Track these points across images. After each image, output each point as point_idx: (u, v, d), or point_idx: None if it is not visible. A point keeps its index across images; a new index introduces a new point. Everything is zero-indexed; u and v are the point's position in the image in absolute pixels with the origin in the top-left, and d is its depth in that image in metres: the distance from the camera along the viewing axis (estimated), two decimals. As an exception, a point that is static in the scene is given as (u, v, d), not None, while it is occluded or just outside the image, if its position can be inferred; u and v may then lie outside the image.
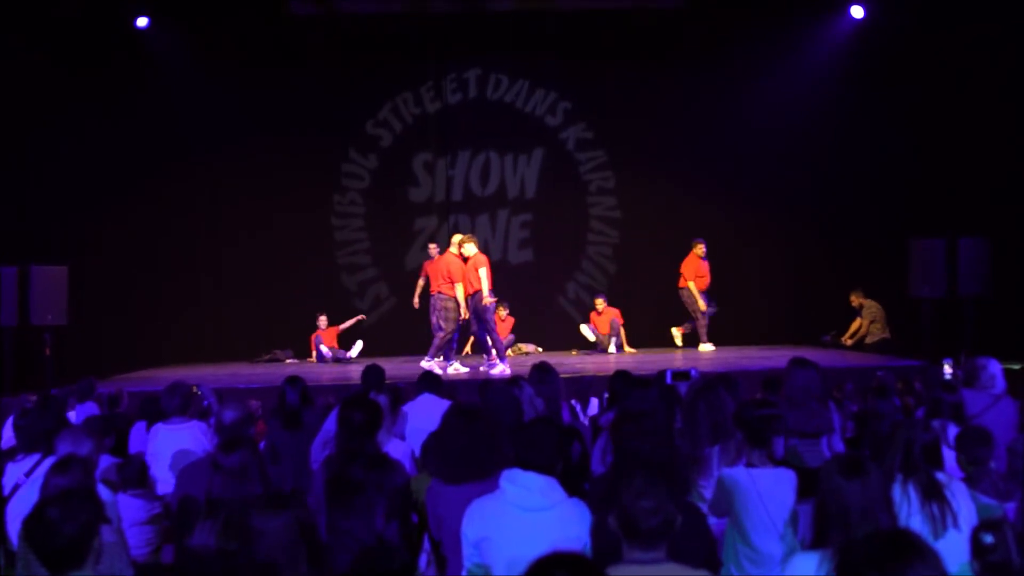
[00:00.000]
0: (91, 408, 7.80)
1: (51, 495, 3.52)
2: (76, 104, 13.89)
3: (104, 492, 4.78)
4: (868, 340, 14.04)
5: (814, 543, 3.44)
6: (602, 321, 14.96)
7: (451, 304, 11.69)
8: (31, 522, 3.32)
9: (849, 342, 14.28)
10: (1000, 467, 5.18)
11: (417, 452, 5.71)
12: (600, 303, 15.13)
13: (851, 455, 3.66)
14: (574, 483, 4.48)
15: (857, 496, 3.38)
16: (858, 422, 6.70)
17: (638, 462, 3.88)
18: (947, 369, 9.13)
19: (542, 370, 6.51)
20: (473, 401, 5.98)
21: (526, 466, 3.88)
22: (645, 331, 15.21)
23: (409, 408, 6.72)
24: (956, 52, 13.42)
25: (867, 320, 14.12)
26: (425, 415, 6.39)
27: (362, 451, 4.53)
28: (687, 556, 3.33)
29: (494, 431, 4.39)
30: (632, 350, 14.85)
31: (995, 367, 6.57)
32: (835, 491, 3.41)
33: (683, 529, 3.19)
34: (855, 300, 14.30)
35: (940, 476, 4.15)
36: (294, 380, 6.76)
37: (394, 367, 12.57)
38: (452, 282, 11.62)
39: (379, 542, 3.83)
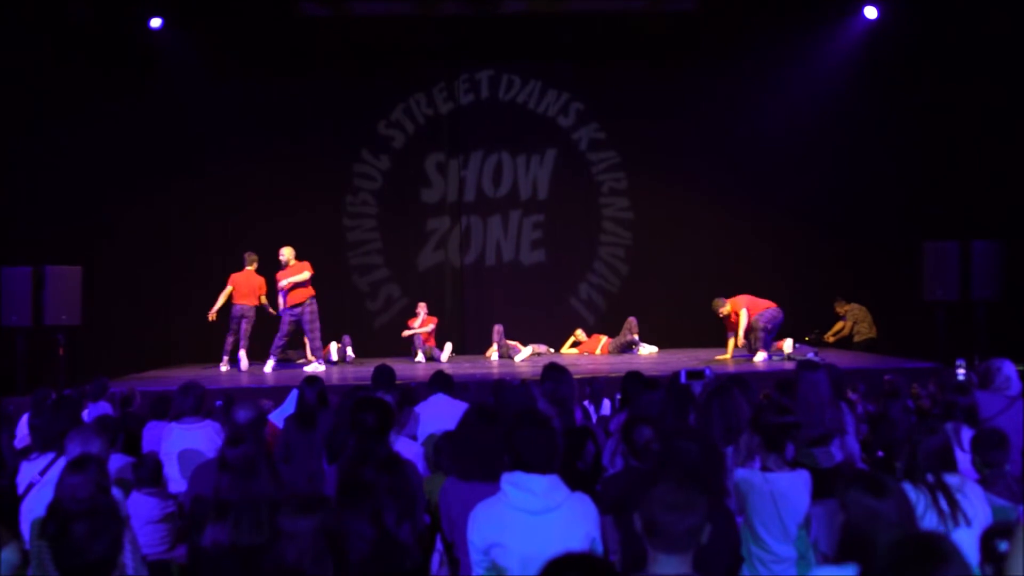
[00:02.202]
0: (104, 407, 7.83)
1: (77, 511, 3.54)
2: (89, 105, 13.89)
3: (115, 492, 4.80)
4: (856, 339, 14.40)
5: (839, 555, 3.40)
6: (591, 344, 15.31)
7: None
8: (57, 538, 3.33)
9: (831, 339, 14.69)
10: (1015, 470, 5.15)
11: (429, 452, 5.72)
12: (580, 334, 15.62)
13: (871, 474, 3.62)
14: (587, 484, 4.47)
15: (892, 513, 3.34)
16: (871, 424, 6.67)
17: (683, 463, 3.82)
18: (960, 371, 9.08)
19: (555, 370, 6.49)
20: (486, 400, 5.99)
21: (526, 467, 3.86)
22: (658, 332, 15.20)
23: (421, 408, 6.71)
24: (970, 53, 13.35)
25: (851, 323, 14.54)
26: (438, 415, 6.40)
27: (374, 452, 4.53)
28: (711, 558, 3.30)
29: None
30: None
31: (1010, 368, 6.52)
32: (868, 511, 3.36)
33: (712, 532, 3.13)
34: (839, 308, 14.78)
35: (953, 478, 4.14)
36: (313, 380, 6.77)
37: (405, 368, 12.63)
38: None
39: (391, 543, 3.82)
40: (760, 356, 12.76)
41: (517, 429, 3.98)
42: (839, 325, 14.77)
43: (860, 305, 14.63)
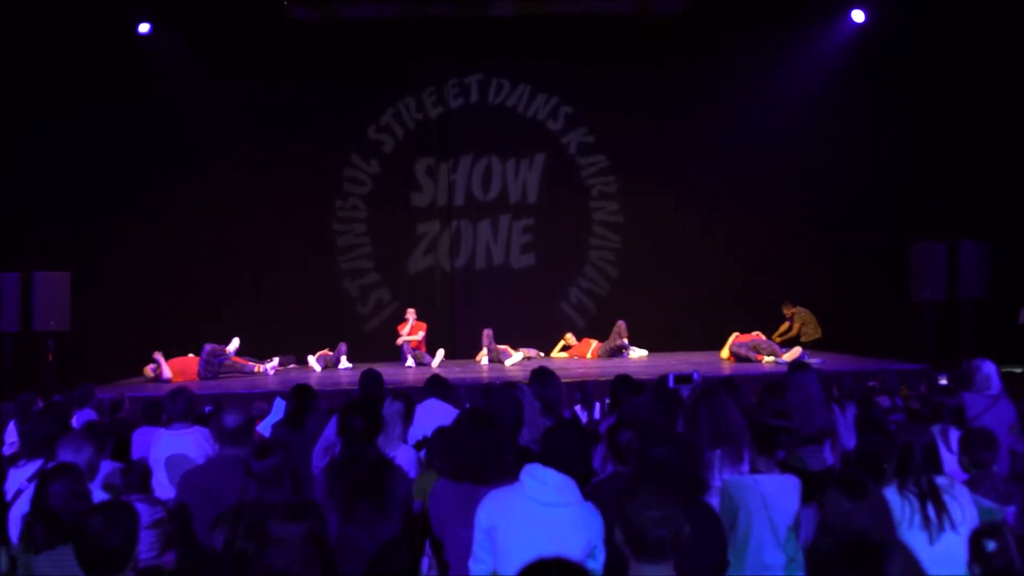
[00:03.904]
0: (89, 414, 7.79)
1: (93, 506, 3.64)
2: (79, 111, 13.87)
3: (103, 497, 4.78)
4: (803, 340, 14.68)
5: None
6: (581, 348, 15.30)
7: None
8: (76, 529, 3.45)
9: (778, 340, 14.86)
10: (1003, 470, 5.16)
11: (422, 455, 5.72)
12: (570, 338, 15.60)
13: (853, 476, 3.65)
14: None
15: (865, 517, 3.36)
16: (859, 427, 6.69)
17: (660, 469, 3.85)
18: (942, 381, 9.16)
19: (543, 374, 6.49)
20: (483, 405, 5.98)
21: (547, 463, 3.92)
22: (648, 335, 15.20)
23: (414, 412, 6.69)
24: (957, 55, 13.40)
25: (799, 324, 14.94)
26: (431, 420, 6.38)
27: (364, 456, 4.53)
28: (696, 559, 3.31)
29: (503, 438, 4.39)
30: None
31: (989, 367, 6.55)
32: (842, 514, 3.39)
33: (695, 531, 3.14)
34: (786, 310, 15.14)
35: (940, 480, 4.14)
36: (301, 388, 6.72)
37: (394, 372, 12.63)
38: None
39: (380, 546, 3.83)
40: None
41: (550, 432, 4.13)
42: (785, 326, 15.11)
43: (806, 309, 14.97)
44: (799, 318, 14.97)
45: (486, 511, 3.86)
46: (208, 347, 13.46)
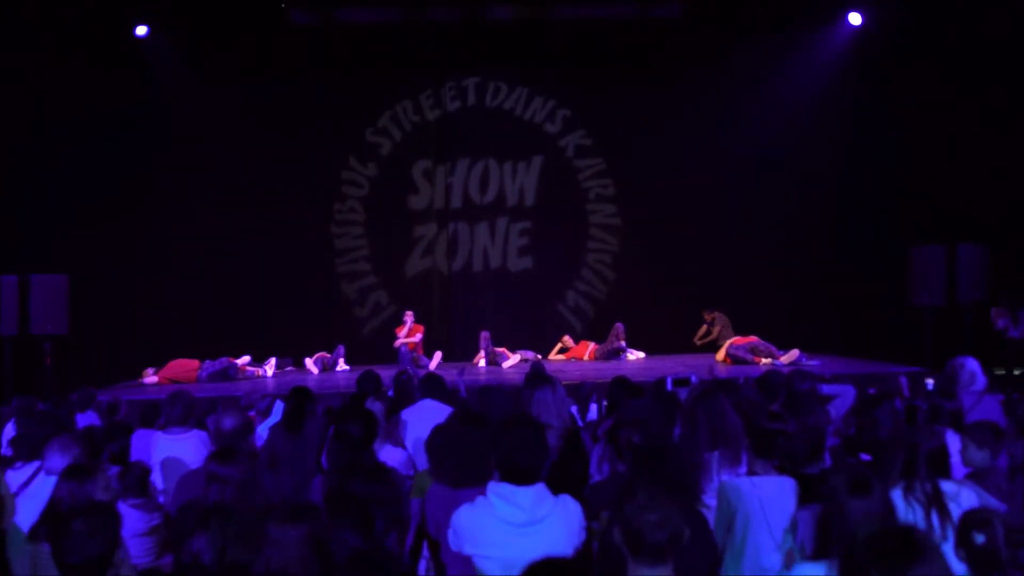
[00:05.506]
0: (91, 417, 7.78)
1: (76, 508, 3.61)
2: (79, 112, 13.88)
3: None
4: (720, 342, 14.83)
5: (816, 553, 3.41)
6: (578, 351, 15.35)
7: None
8: (57, 534, 3.44)
9: (699, 342, 15.49)
10: (1004, 464, 5.16)
11: (417, 457, 5.70)
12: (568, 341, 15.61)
13: (859, 471, 3.63)
14: (575, 490, 4.47)
15: (862, 513, 3.36)
16: (857, 419, 6.64)
17: (652, 471, 3.84)
18: (929, 381, 9.17)
19: (538, 377, 6.47)
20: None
21: (513, 475, 3.85)
22: (645, 337, 15.19)
23: (409, 414, 6.68)
24: (957, 55, 13.39)
25: (718, 327, 15.30)
26: (426, 421, 6.36)
27: (360, 463, 4.52)
28: (689, 565, 3.30)
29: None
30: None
31: (973, 364, 6.58)
32: (842, 507, 3.38)
33: (688, 538, 3.14)
34: (707, 315, 15.52)
35: (947, 486, 4.12)
36: (299, 390, 6.71)
37: (392, 374, 12.59)
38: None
39: (378, 552, 3.82)
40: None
41: (507, 429, 3.98)
42: (703, 329, 15.46)
43: (723, 314, 15.33)
44: (718, 322, 15.30)
45: (460, 539, 3.80)
46: (224, 361, 13.44)
